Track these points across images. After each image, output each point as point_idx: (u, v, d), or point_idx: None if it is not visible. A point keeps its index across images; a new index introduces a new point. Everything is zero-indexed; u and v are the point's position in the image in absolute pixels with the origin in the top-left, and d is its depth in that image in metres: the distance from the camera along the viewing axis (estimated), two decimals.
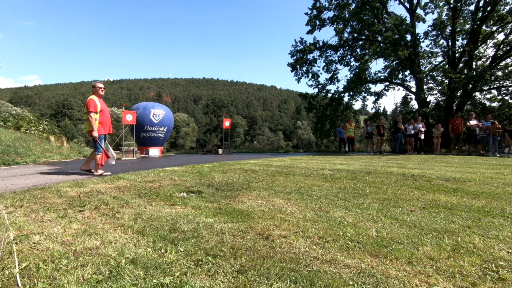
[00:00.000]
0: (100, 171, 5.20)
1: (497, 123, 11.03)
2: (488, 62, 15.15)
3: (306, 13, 18.37)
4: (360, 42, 18.40)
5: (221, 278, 1.35)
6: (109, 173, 5.25)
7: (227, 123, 14.86)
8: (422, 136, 12.42)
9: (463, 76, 14.05)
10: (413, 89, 17.42)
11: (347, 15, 17.61)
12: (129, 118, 11.40)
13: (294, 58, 19.30)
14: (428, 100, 16.66)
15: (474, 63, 15.77)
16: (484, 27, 14.67)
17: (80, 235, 1.91)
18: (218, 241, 1.80)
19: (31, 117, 14.90)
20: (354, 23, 17.53)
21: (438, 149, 12.30)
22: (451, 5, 15.24)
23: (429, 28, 16.49)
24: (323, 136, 21.01)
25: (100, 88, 5.11)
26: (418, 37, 16.26)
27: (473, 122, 10.94)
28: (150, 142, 13.39)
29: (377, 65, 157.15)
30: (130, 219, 2.27)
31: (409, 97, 19.71)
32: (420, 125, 12.32)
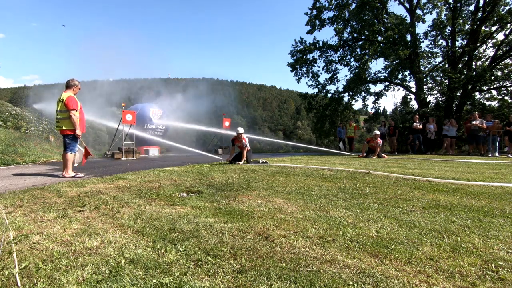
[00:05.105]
0: (72, 173, 4.89)
1: (497, 121, 11.05)
2: (487, 62, 15.13)
3: (306, 13, 18.35)
4: (360, 42, 18.38)
5: (221, 278, 1.35)
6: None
7: (227, 123, 14.85)
8: (433, 137, 12.44)
9: (462, 76, 14.03)
10: (413, 89, 17.41)
11: (347, 15, 17.60)
12: (129, 118, 11.36)
13: (294, 58, 19.28)
14: (428, 100, 16.67)
15: (474, 63, 15.74)
16: (483, 28, 14.66)
17: (80, 235, 1.91)
18: (218, 241, 1.80)
19: (31, 117, 14.87)
20: (354, 23, 17.51)
21: (449, 149, 12.10)
22: (451, 6, 15.23)
23: (429, 28, 16.46)
24: (323, 136, 21.02)
25: (78, 86, 5.18)
26: (418, 37, 16.24)
27: (475, 122, 10.95)
28: (149, 142, 13.39)
29: (377, 65, 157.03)
30: (130, 219, 2.27)
31: (409, 97, 19.66)
32: (432, 126, 12.35)
